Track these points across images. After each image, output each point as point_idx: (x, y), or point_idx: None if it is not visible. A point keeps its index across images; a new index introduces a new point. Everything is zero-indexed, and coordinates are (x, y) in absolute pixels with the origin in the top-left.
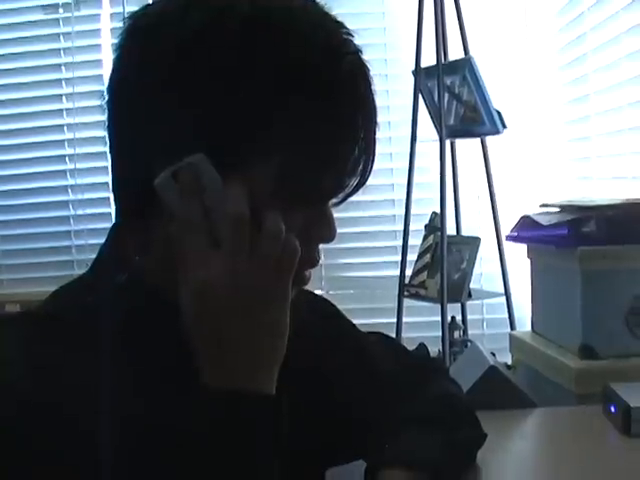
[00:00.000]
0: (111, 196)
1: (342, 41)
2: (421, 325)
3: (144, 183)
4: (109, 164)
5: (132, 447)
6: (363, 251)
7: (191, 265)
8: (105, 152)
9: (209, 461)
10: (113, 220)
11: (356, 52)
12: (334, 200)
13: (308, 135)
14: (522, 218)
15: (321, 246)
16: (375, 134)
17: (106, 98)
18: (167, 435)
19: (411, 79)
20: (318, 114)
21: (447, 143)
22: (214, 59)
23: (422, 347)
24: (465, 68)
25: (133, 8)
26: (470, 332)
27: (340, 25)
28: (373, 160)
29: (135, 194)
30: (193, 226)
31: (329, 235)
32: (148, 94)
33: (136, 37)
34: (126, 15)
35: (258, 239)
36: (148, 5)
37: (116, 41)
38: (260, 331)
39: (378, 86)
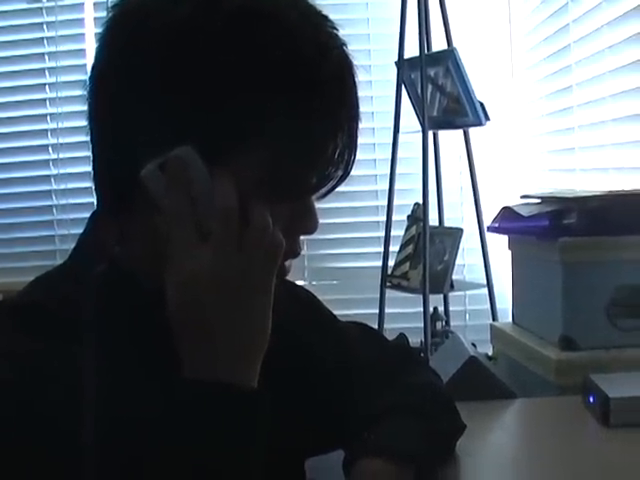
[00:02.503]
0: (94, 186)
1: (329, 35)
2: (403, 316)
3: (126, 173)
4: (90, 153)
5: (111, 438)
6: (346, 242)
7: (178, 257)
8: (88, 142)
9: (189, 454)
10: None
11: (342, 46)
12: (318, 193)
13: (294, 128)
14: (503, 209)
15: (303, 236)
16: (358, 127)
17: (88, 87)
18: (147, 427)
19: (394, 70)
20: (304, 108)
21: (430, 134)
22: (201, 51)
23: (402, 337)
24: (448, 59)
25: None
26: (452, 323)
27: (325, 18)
28: (355, 153)
29: (116, 184)
30: (179, 218)
31: (312, 227)
32: (132, 85)
33: (121, 27)
34: (110, 4)
35: (243, 232)
36: None
37: (100, 30)
38: (244, 324)
39: (361, 77)
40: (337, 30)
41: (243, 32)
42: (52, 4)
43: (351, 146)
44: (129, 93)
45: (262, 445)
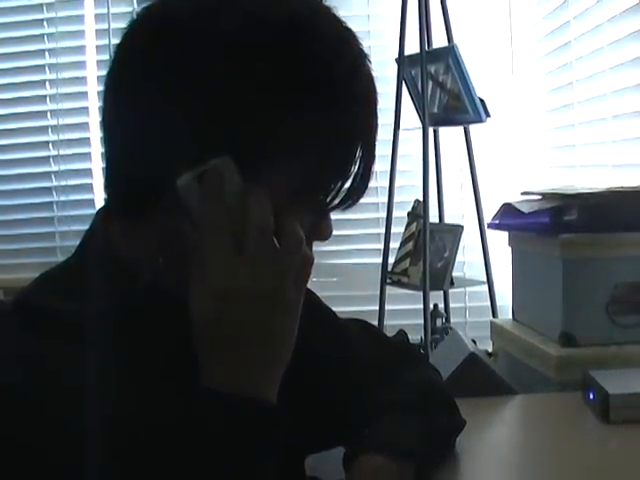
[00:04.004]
0: (94, 182)
1: (358, 51)
2: (403, 313)
3: (147, 180)
4: (103, 151)
5: (126, 446)
6: (346, 238)
7: (212, 269)
8: (89, 138)
9: (203, 463)
10: (97, 207)
11: (368, 61)
12: (342, 205)
13: (324, 142)
14: (503, 206)
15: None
16: (377, 137)
17: (105, 89)
18: (163, 435)
19: (395, 67)
20: (335, 122)
21: (430, 131)
22: (241, 66)
23: (401, 334)
24: (449, 56)
25: None
26: (453, 320)
27: (352, 32)
28: (374, 164)
29: (133, 188)
30: (215, 230)
31: (327, 235)
32: (162, 92)
33: (156, 36)
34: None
35: (276, 247)
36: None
37: (100, 27)
38: (272, 338)
39: None
40: (361, 44)
41: (285, 49)
42: (52, 0)
43: (373, 157)
44: (158, 100)
45: (276, 460)
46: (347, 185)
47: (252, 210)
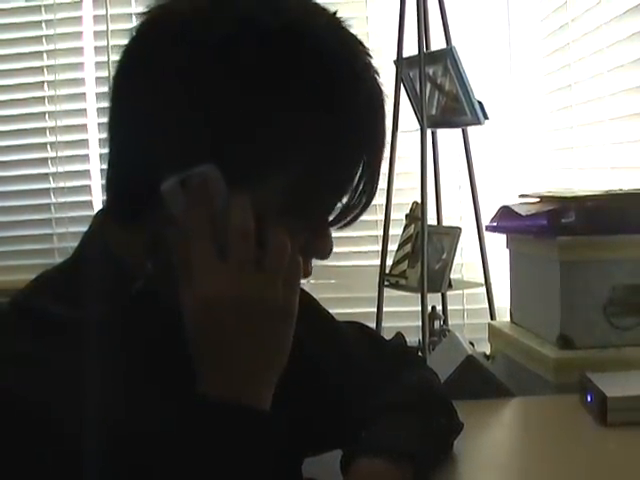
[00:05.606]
0: (92, 184)
1: (364, 64)
2: (401, 315)
3: (145, 183)
4: (108, 154)
5: (120, 450)
6: (344, 240)
7: (197, 275)
8: (87, 140)
9: (200, 472)
10: (94, 209)
11: (375, 76)
12: (339, 223)
13: (319, 153)
14: (501, 208)
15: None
16: (382, 158)
17: (111, 93)
18: (158, 442)
19: (393, 69)
20: (333, 136)
21: (428, 133)
22: (235, 73)
23: (398, 337)
24: (447, 58)
25: None
26: (451, 322)
27: (360, 44)
28: (377, 183)
29: (132, 191)
30: (198, 235)
31: (326, 253)
32: (160, 99)
33: (153, 41)
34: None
35: (263, 254)
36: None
37: (97, 28)
38: (263, 345)
39: None
40: (371, 57)
41: (279, 57)
42: (51, 2)
43: (374, 176)
44: (161, 105)
45: (272, 466)
46: (345, 202)
47: (233, 215)
